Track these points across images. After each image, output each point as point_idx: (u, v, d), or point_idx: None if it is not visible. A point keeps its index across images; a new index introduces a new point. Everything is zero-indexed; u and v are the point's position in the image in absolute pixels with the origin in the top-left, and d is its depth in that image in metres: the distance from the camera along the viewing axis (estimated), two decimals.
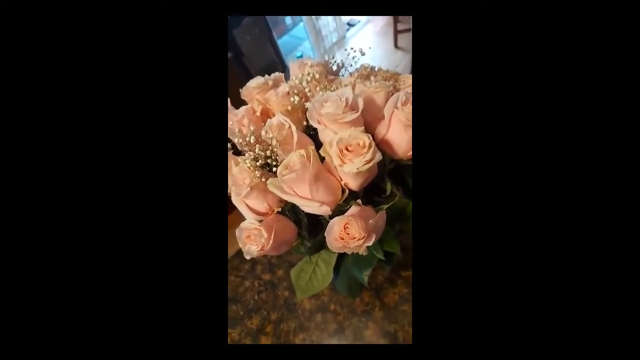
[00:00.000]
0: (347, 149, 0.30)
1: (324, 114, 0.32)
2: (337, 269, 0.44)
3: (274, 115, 0.37)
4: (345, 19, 2.83)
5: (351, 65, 0.42)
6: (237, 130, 0.37)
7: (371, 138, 0.30)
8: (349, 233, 0.31)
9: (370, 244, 0.31)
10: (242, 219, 0.37)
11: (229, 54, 1.74)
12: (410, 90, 0.35)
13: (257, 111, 0.40)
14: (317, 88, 0.37)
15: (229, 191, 0.36)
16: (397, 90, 0.37)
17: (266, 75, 0.43)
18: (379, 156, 0.30)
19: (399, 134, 0.33)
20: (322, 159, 0.33)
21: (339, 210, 0.34)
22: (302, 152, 0.32)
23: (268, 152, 0.34)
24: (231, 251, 0.70)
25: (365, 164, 0.29)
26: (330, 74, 0.43)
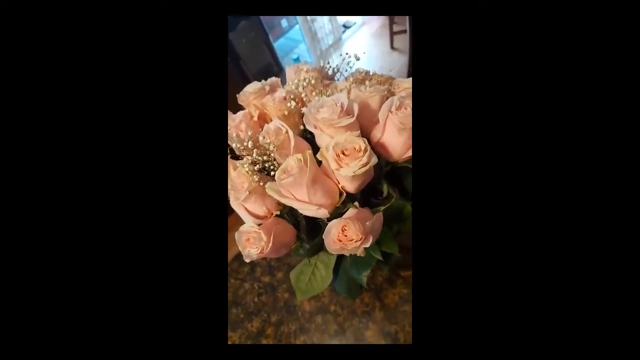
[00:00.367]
0: (343, 153, 0.31)
1: (320, 119, 0.32)
2: (336, 270, 0.44)
3: (271, 120, 0.38)
4: (341, 21, 2.84)
5: (346, 70, 0.43)
6: (234, 135, 0.38)
7: (367, 142, 0.31)
8: (346, 235, 0.31)
9: (367, 245, 0.32)
10: (241, 222, 0.38)
11: None
12: (404, 94, 0.36)
13: (254, 116, 0.41)
14: (313, 93, 0.37)
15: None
16: (392, 94, 0.37)
17: (263, 81, 0.43)
18: (374, 159, 0.31)
19: (393, 137, 0.34)
20: (319, 163, 0.33)
21: (336, 213, 0.34)
22: (300, 156, 0.32)
23: (266, 157, 0.34)
24: (231, 254, 0.70)
25: (361, 167, 0.30)
26: (325, 79, 0.44)
